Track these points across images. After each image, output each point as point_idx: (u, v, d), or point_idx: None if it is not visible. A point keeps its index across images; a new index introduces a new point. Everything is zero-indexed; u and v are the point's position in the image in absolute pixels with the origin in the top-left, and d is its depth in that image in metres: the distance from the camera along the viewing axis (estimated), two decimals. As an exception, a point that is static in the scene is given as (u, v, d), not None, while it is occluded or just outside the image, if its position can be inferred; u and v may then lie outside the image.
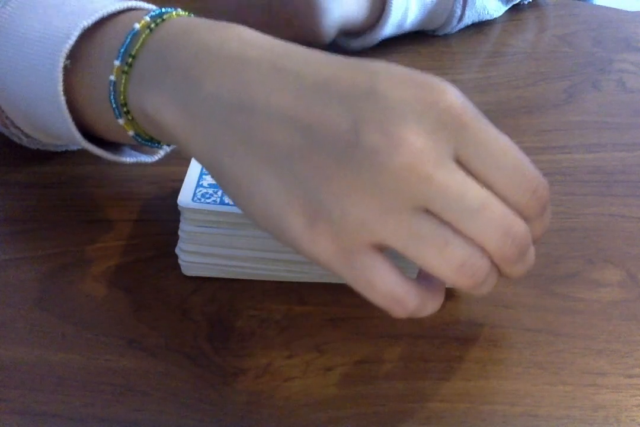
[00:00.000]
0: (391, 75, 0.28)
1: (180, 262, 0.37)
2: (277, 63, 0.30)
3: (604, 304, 0.36)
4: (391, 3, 0.59)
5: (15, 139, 0.43)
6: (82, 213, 0.42)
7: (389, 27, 0.61)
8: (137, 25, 0.34)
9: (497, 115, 0.53)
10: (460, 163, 0.28)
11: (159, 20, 0.34)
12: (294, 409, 0.31)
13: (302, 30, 0.56)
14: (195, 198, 0.36)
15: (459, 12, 0.64)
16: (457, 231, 0.27)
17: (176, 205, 0.35)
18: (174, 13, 0.35)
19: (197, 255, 0.36)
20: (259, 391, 0.31)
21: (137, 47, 0.33)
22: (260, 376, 0.32)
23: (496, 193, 0.28)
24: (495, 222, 0.27)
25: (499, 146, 0.28)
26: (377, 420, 0.30)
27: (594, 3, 0.97)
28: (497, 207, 0.27)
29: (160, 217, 0.41)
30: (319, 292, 0.36)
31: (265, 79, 0.29)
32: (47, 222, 0.41)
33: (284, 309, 0.35)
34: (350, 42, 0.63)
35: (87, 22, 0.35)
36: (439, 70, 0.61)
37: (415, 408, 0.30)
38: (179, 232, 0.36)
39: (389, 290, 0.28)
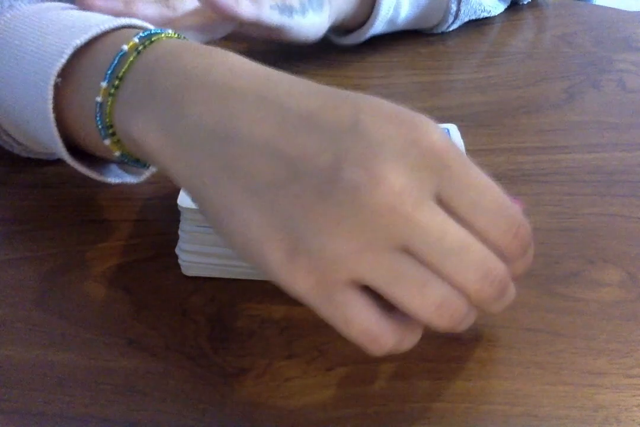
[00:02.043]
0: (375, 111, 0.28)
1: (180, 262, 0.37)
2: (262, 93, 0.29)
3: (604, 304, 0.36)
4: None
5: (8, 147, 0.44)
6: (82, 213, 0.42)
7: (380, 24, 0.61)
8: (125, 47, 0.34)
9: (497, 115, 0.53)
10: (441, 203, 0.27)
11: (147, 42, 0.34)
12: (294, 409, 0.31)
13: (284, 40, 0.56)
14: (195, 198, 0.35)
15: (454, 7, 0.64)
16: (436, 271, 0.27)
17: (176, 205, 0.35)
18: (162, 35, 0.35)
19: (197, 255, 0.36)
20: (259, 391, 0.31)
21: (124, 69, 0.33)
22: (260, 376, 0.32)
23: (477, 234, 0.28)
24: (474, 264, 0.27)
25: (480, 187, 0.28)
26: (377, 420, 0.30)
27: (594, 3, 0.97)
28: (476, 249, 0.27)
29: (160, 217, 0.42)
30: (319, 292, 0.36)
31: (249, 109, 0.29)
32: (47, 222, 0.41)
33: (284, 309, 0.35)
34: (341, 39, 0.63)
35: (79, 40, 0.35)
36: (439, 70, 0.61)
37: (415, 408, 0.30)
38: (179, 232, 0.36)
39: (365, 329, 0.28)
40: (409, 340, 0.29)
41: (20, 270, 0.38)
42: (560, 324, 0.35)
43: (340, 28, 0.62)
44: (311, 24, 0.54)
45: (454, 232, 0.27)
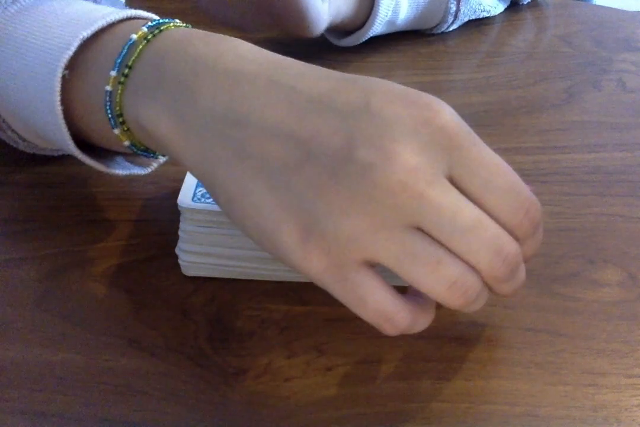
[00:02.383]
0: (386, 92, 0.28)
1: (180, 262, 0.37)
2: (272, 77, 0.30)
3: (604, 304, 0.36)
4: (379, 0, 0.59)
5: (12, 143, 0.44)
6: (82, 213, 0.42)
7: (379, 25, 0.61)
8: (134, 36, 0.34)
9: (497, 115, 0.53)
10: (453, 182, 0.28)
11: (156, 31, 0.34)
12: (294, 409, 0.31)
13: (288, 22, 0.56)
14: (195, 198, 0.36)
15: (453, 8, 0.64)
16: (449, 249, 0.27)
17: (176, 205, 0.35)
18: (171, 24, 0.35)
19: (197, 255, 0.36)
20: (259, 391, 0.31)
21: (133, 58, 0.33)
22: (260, 376, 0.32)
23: (488, 213, 0.28)
24: (487, 241, 0.27)
25: (492, 166, 0.28)
26: (377, 420, 0.30)
27: (594, 3, 0.97)
28: (489, 227, 0.27)
29: (160, 217, 0.42)
30: (319, 292, 0.36)
31: (260, 93, 0.29)
32: (47, 222, 0.41)
33: (284, 309, 0.35)
34: (340, 40, 0.63)
35: (86, 32, 0.35)
36: (439, 70, 0.61)
37: (415, 408, 0.30)
38: (179, 232, 0.36)
39: (380, 307, 0.28)
40: (422, 320, 0.29)
41: (20, 270, 0.38)
42: (560, 324, 0.35)
43: (338, 29, 0.62)
44: (323, 11, 0.54)
45: (467, 210, 0.27)
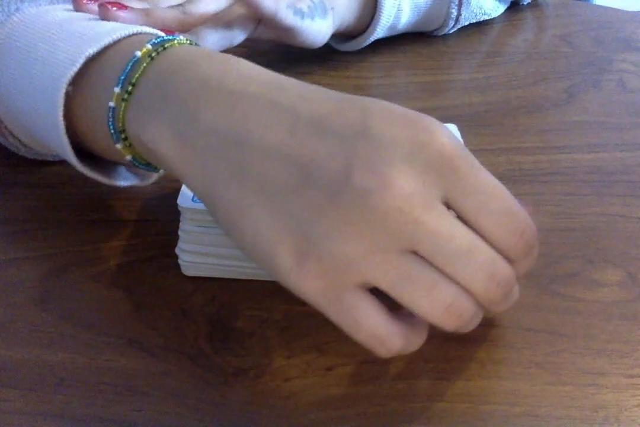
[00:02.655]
0: (384, 115, 0.28)
1: (180, 262, 0.37)
2: (274, 98, 0.30)
3: (604, 304, 0.36)
4: (382, 7, 0.59)
5: (13, 149, 0.44)
6: (82, 213, 0.42)
7: (381, 31, 0.61)
8: (139, 53, 0.34)
9: (497, 115, 0.53)
10: (449, 205, 0.28)
11: (160, 49, 0.34)
12: (294, 409, 0.31)
13: (288, 42, 0.56)
14: (195, 198, 0.36)
15: (455, 12, 0.64)
16: (444, 273, 0.28)
17: (176, 205, 0.35)
18: (175, 41, 0.35)
19: (197, 255, 0.36)
20: (259, 391, 0.31)
21: (137, 75, 0.34)
22: (260, 376, 0.32)
23: (484, 236, 0.28)
24: (482, 266, 0.28)
25: (488, 189, 0.28)
26: (377, 420, 0.30)
27: (594, 3, 0.97)
28: (484, 251, 0.28)
29: (160, 217, 0.42)
30: (319, 292, 0.36)
31: (262, 114, 0.29)
32: (47, 222, 0.41)
33: (284, 309, 0.35)
34: (342, 45, 0.63)
35: (92, 50, 0.35)
36: (439, 70, 0.61)
37: (416, 408, 0.30)
38: (179, 232, 0.36)
39: (374, 332, 0.28)
40: (415, 342, 0.30)
41: (20, 270, 0.38)
42: (560, 324, 0.35)
43: (341, 35, 0.62)
44: (318, 29, 0.55)
45: (462, 234, 0.28)
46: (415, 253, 0.28)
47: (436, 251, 0.27)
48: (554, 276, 0.37)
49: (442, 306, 0.28)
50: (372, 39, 0.62)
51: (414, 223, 0.27)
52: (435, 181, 0.27)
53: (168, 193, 0.43)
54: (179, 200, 0.35)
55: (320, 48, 0.58)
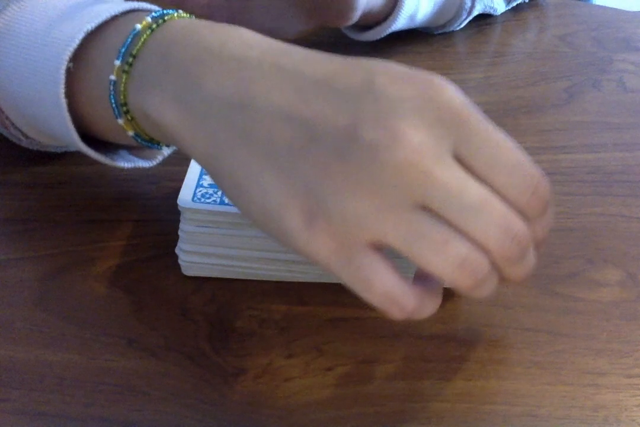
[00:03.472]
0: (389, 73, 0.28)
1: (180, 262, 0.37)
2: (277, 62, 0.30)
3: (604, 304, 0.36)
4: None
5: (15, 140, 0.44)
6: (82, 213, 0.42)
7: (403, 19, 0.61)
8: (139, 26, 0.34)
9: (497, 115, 0.53)
10: (459, 160, 0.27)
11: (160, 21, 0.34)
12: (294, 409, 0.31)
13: (330, 10, 0.55)
14: (195, 198, 0.36)
15: (469, 3, 0.64)
16: (456, 229, 0.27)
17: (176, 205, 0.35)
18: (175, 14, 0.35)
19: (197, 255, 0.36)
20: (259, 391, 0.31)
21: (138, 46, 0.34)
22: (260, 376, 0.32)
23: (495, 191, 0.27)
24: (496, 220, 0.27)
25: (498, 144, 0.28)
26: (377, 420, 0.30)
27: (594, 3, 0.97)
28: (497, 205, 0.27)
29: (160, 217, 0.41)
30: (319, 292, 0.36)
31: (266, 77, 0.29)
32: (47, 222, 0.41)
33: (284, 309, 0.35)
34: (361, 34, 0.63)
35: (90, 25, 0.35)
36: (440, 70, 0.61)
37: (416, 408, 0.30)
38: (179, 232, 0.36)
39: (386, 290, 0.27)
40: (429, 304, 0.29)
41: (20, 270, 0.38)
42: (560, 324, 0.35)
43: (360, 23, 0.61)
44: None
45: (474, 188, 0.27)
46: (426, 210, 0.27)
47: (447, 205, 0.27)
48: (554, 276, 0.37)
49: (455, 261, 0.27)
50: (393, 28, 0.61)
51: (425, 176, 0.26)
52: (445, 134, 0.27)
53: (168, 193, 0.43)
54: (179, 200, 0.35)
55: (320, 47, 0.58)
